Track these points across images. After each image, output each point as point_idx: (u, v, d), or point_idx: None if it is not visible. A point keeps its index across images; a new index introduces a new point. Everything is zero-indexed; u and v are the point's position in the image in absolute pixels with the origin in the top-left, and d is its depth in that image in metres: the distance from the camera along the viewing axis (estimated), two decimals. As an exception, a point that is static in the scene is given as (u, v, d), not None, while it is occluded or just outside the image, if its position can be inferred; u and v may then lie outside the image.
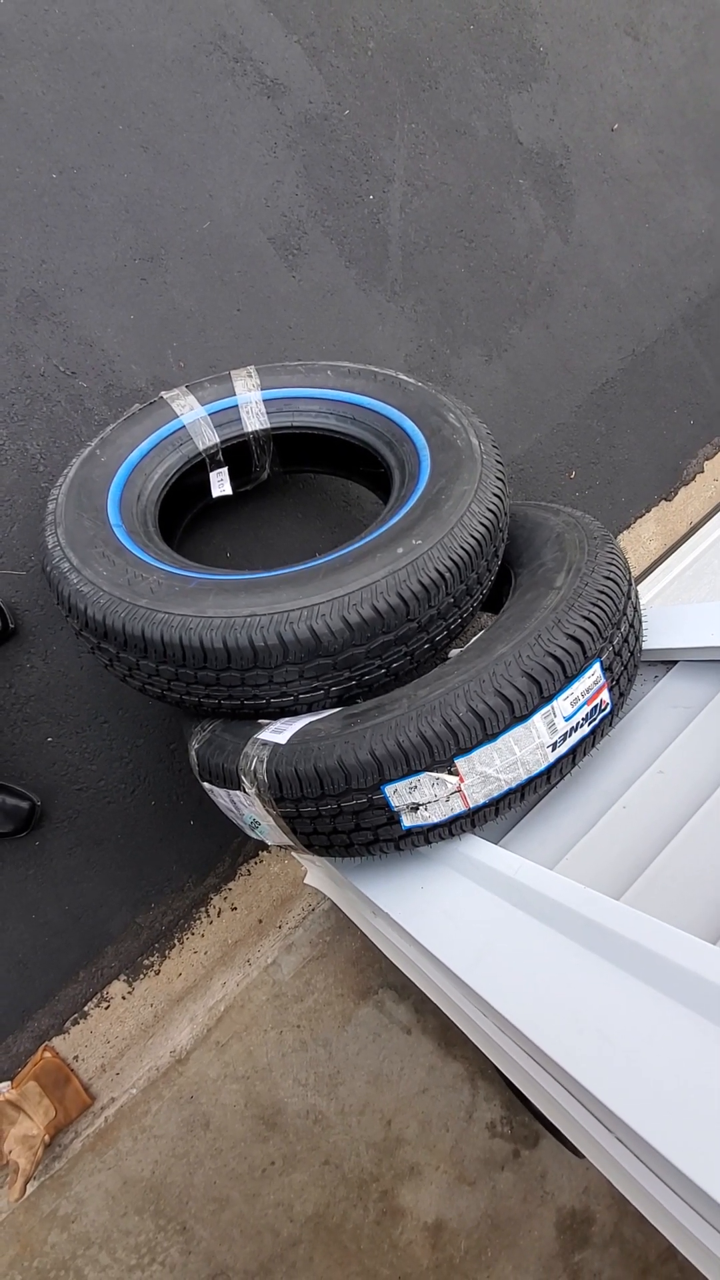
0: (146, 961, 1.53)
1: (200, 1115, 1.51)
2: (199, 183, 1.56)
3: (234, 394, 1.38)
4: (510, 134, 1.88)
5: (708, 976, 0.61)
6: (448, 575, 1.00)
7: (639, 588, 1.18)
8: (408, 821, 0.91)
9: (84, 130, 1.47)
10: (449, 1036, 1.72)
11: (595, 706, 0.94)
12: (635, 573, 2.04)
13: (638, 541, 2.04)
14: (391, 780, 0.88)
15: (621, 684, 0.98)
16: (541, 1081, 0.83)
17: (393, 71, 1.74)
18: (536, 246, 1.91)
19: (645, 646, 1.08)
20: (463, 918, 0.84)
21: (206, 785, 1.08)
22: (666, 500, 2.09)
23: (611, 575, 1.00)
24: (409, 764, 0.87)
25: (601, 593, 0.97)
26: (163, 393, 1.37)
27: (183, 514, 1.44)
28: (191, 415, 1.34)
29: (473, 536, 1.03)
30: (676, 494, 2.10)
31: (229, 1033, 1.54)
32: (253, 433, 1.38)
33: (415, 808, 0.90)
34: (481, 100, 1.84)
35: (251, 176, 1.60)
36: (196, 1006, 1.54)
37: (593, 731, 0.95)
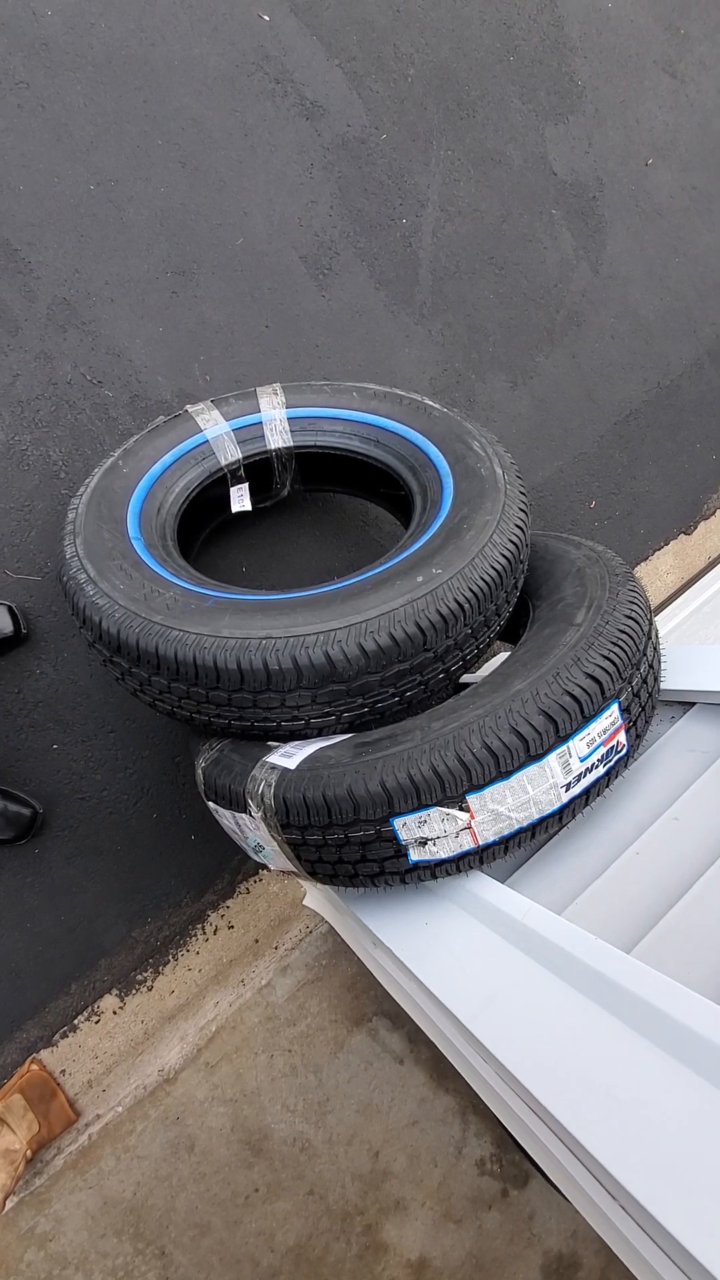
0: (139, 977, 1.51)
1: (185, 1137, 1.48)
2: (234, 200, 1.57)
3: (259, 411, 1.38)
4: (545, 164, 1.89)
5: (722, 1042, 0.59)
6: (467, 606, 0.99)
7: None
8: (415, 856, 0.90)
9: (123, 143, 1.48)
10: (441, 1068, 1.68)
11: (611, 748, 0.92)
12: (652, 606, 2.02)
13: (655, 574, 2.03)
14: (401, 813, 0.86)
15: (639, 725, 0.96)
16: (535, 1129, 0.80)
17: (431, 98, 1.76)
18: (566, 276, 1.91)
19: (663, 687, 1.06)
20: (468, 961, 0.82)
21: (212, 805, 1.07)
22: (686, 534, 2.08)
23: (633, 614, 0.99)
24: (420, 798, 0.85)
25: (622, 632, 0.95)
26: (188, 406, 1.37)
27: (201, 527, 1.44)
28: (215, 430, 1.34)
29: (493, 568, 1.02)
30: (696, 528, 2.09)
31: (219, 1054, 1.52)
32: (276, 450, 1.38)
33: (424, 842, 0.89)
34: (518, 130, 1.86)
35: (286, 196, 1.61)
36: (188, 1025, 1.52)
37: (608, 773, 0.94)
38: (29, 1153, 1.35)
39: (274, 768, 0.96)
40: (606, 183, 1.96)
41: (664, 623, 1.89)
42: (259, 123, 1.59)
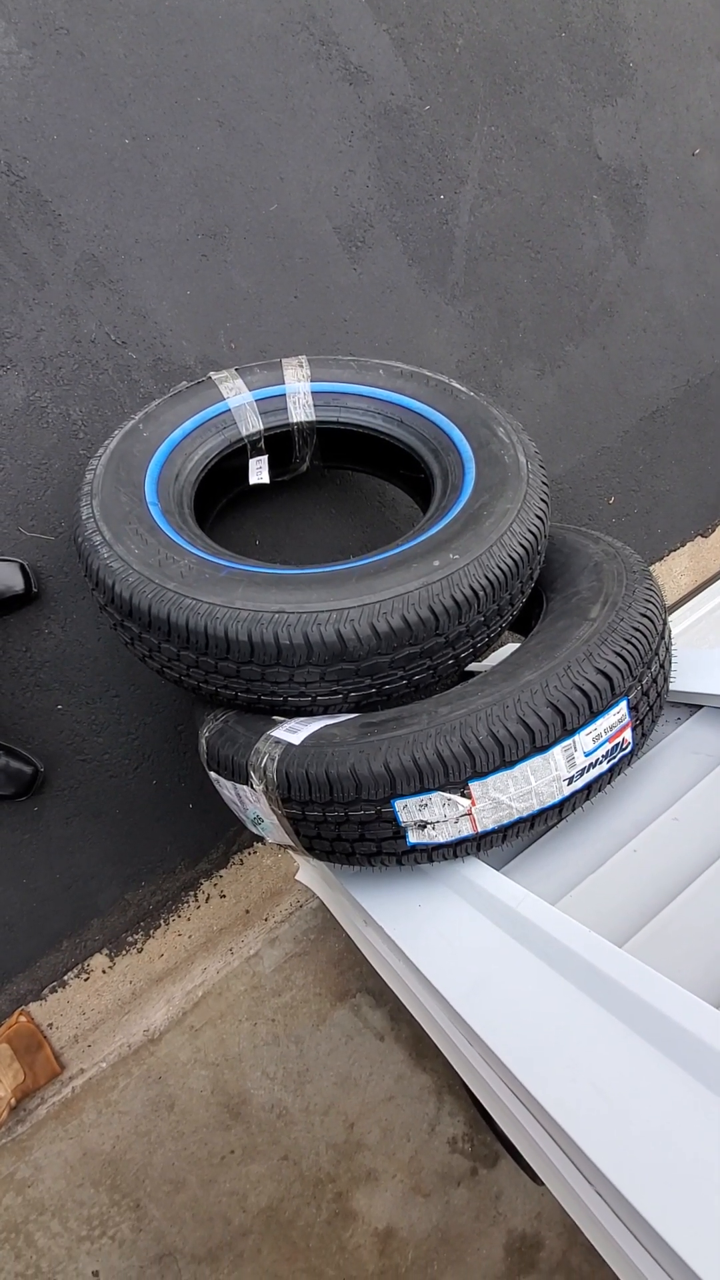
0: (130, 938, 1.53)
1: (166, 1096, 1.51)
2: (271, 164, 1.54)
3: (283, 382, 1.36)
4: (590, 147, 1.85)
5: (708, 1041, 0.60)
6: (482, 593, 0.98)
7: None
8: (413, 838, 0.90)
9: (161, 98, 1.45)
10: (420, 1048, 1.71)
11: (616, 745, 0.92)
12: (662, 606, 2.01)
13: (669, 575, 2.02)
14: (403, 795, 0.87)
15: (645, 724, 0.96)
16: (514, 1110, 0.82)
17: (479, 71, 1.71)
18: (603, 264, 1.88)
19: (672, 688, 1.06)
20: (460, 944, 0.83)
21: (213, 775, 1.08)
22: (703, 536, 2.06)
23: (648, 613, 0.98)
24: (422, 781, 0.86)
25: (636, 630, 0.95)
26: (211, 373, 1.35)
27: (218, 497, 1.43)
28: (238, 399, 1.33)
29: (511, 557, 1.02)
30: (714, 531, 2.07)
31: (204, 1018, 1.54)
32: (297, 424, 1.36)
33: (423, 825, 0.89)
34: (565, 110, 1.81)
35: (324, 163, 1.58)
36: (175, 989, 1.54)
37: (610, 769, 0.94)
38: (13, 1101, 1.38)
39: (278, 742, 0.96)
40: (651, 170, 1.92)
41: (676, 624, 1.89)
42: (301, 85, 1.55)
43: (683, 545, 2.03)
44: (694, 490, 2.03)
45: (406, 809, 0.87)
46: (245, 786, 0.99)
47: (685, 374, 2.00)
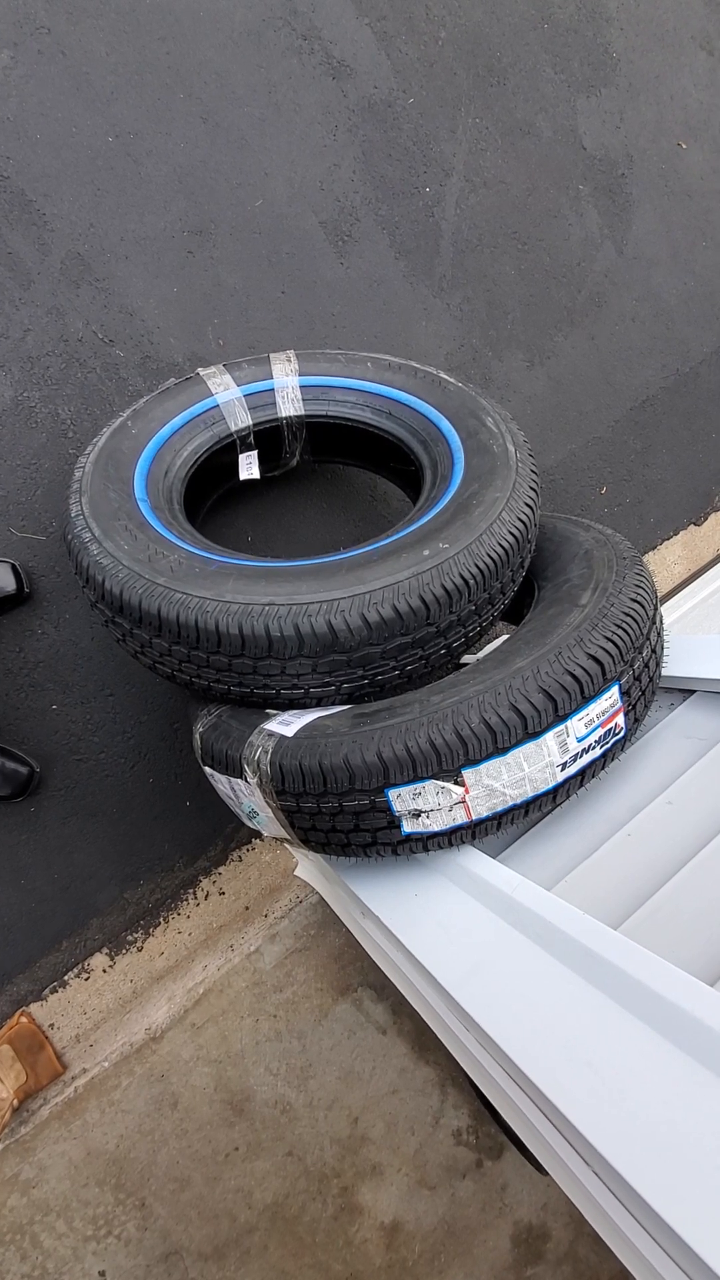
0: (130, 937, 1.53)
1: (169, 1094, 1.51)
2: (255, 159, 1.54)
3: (271, 377, 1.36)
4: (574, 138, 1.85)
5: (704, 1019, 0.60)
6: (472, 582, 0.98)
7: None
8: (408, 827, 0.90)
9: (144, 96, 1.45)
10: (423, 1040, 1.71)
11: (609, 730, 0.92)
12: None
13: (663, 564, 2.02)
14: (396, 785, 0.87)
15: (638, 709, 0.96)
16: (515, 1098, 0.82)
17: (462, 64, 1.71)
18: (590, 255, 1.88)
19: (664, 674, 1.06)
20: (456, 931, 0.83)
21: (208, 770, 1.07)
22: (696, 525, 2.06)
23: (638, 598, 0.98)
24: (415, 770, 0.86)
25: (627, 615, 0.95)
26: (199, 369, 1.35)
27: (208, 494, 1.43)
28: (226, 395, 1.33)
29: (501, 545, 1.02)
30: (706, 519, 2.07)
31: (205, 1016, 1.54)
32: (286, 418, 1.36)
33: (417, 814, 0.89)
34: (549, 101, 1.81)
35: (309, 157, 1.58)
36: (176, 987, 1.54)
37: (604, 755, 0.94)
38: (15, 1102, 1.38)
39: (271, 735, 0.96)
40: (636, 160, 1.92)
41: (669, 612, 1.89)
42: (284, 80, 1.55)
43: (675, 534, 2.04)
44: (686, 479, 2.03)
45: (400, 798, 0.87)
46: (239, 780, 0.99)
47: (674, 363, 2.00)
